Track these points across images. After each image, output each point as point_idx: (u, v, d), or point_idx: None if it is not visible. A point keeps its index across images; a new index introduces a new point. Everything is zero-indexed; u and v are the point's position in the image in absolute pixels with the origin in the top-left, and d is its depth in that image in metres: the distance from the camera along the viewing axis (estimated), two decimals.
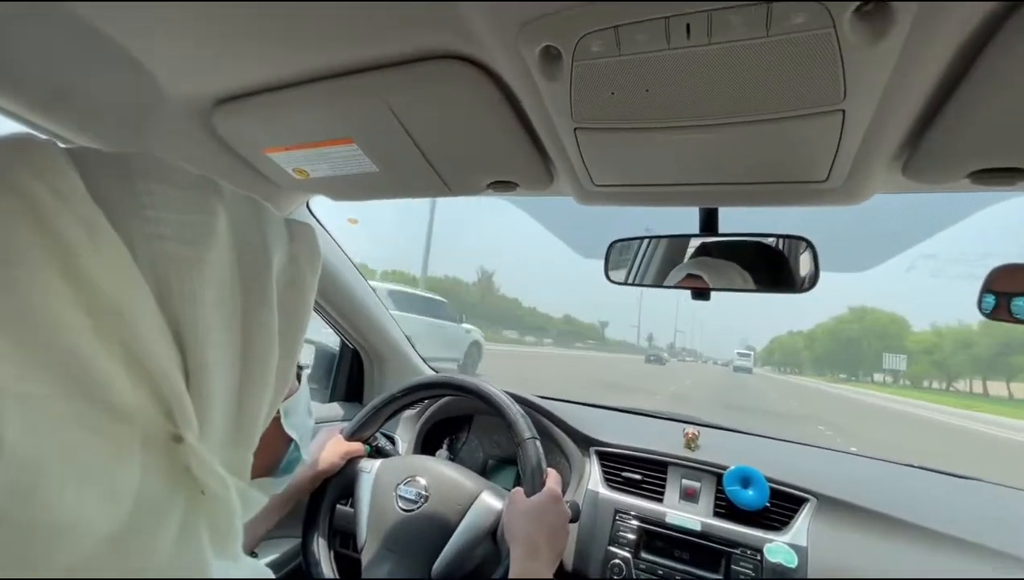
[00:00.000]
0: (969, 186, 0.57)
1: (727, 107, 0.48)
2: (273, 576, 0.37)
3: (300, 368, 0.43)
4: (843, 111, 0.46)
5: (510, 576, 0.64)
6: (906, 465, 1.10)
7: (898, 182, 0.62)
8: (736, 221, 0.81)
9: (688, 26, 0.40)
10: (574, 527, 0.96)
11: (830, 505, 0.89)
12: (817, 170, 0.57)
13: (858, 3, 0.35)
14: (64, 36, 0.54)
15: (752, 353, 51.64)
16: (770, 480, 0.92)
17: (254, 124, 0.69)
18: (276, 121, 0.68)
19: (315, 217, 1.06)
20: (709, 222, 0.80)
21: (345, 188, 0.85)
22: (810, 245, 0.74)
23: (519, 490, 0.77)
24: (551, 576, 0.65)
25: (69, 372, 0.22)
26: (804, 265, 0.76)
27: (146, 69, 0.60)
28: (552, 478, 0.77)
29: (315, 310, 1.24)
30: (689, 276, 0.84)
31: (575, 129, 0.56)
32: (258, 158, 0.78)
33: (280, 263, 0.33)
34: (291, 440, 0.42)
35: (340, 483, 0.89)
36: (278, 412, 0.39)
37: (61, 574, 0.21)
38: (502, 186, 0.78)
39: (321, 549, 0.84)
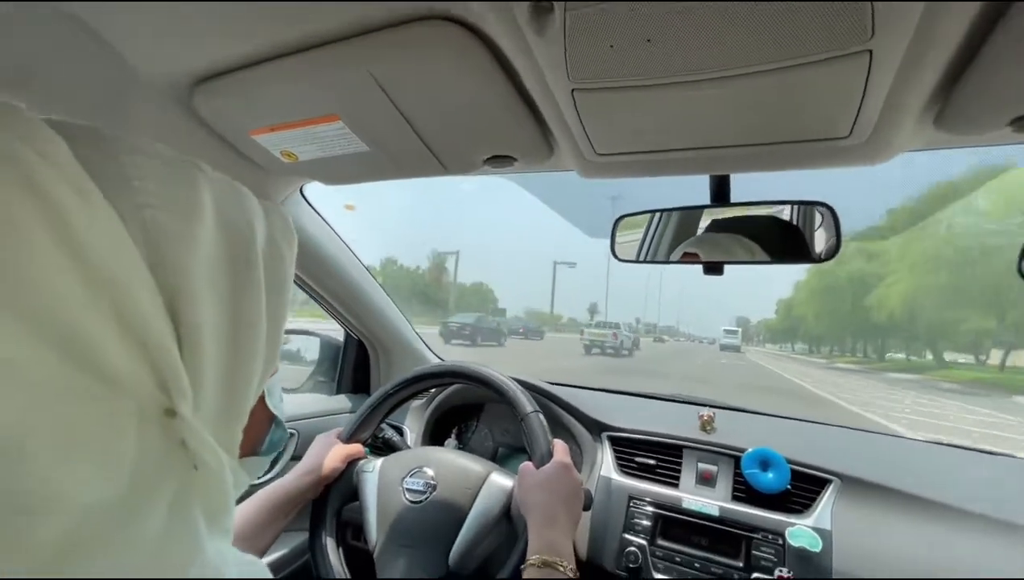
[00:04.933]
0: (1010, 136, 0.52)
1: (739, 55, 0.44)
2: (265, 567, 0.36)
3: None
4: (870, 52, 0.41)
5: (529, 547, 0.62)
6: (933, 442, 1.05)
7: (928, 136, 0.56)
8: (749, 191, 0.76)
9: None
10: (587, 515, 0.94)
11: (854, 486, 0.85)
12: (839, 125, 0.52)
13: None
14: (21, 11, 0.51)
15: (739, 330, 46.67)
16: (790, 462, 0.88)
17: (236, 104, 0.65)
18: (258, 99, 0.64)
19: (310, 204, 1.02)
20: (720, 191, 0.75)
21: (336, 171, 0.81)
22: (831, 210, 0.69)
23: (528, 464, 0.75)
24: (570, 543, 0.64)
25: (61, 339, 0.21)
26: (825, 232, 0.71)
27: (114, 48, 0.56)
28: (560, 449, 0.76)
29: (317, 301, 1.22)
30: (700, 251, 0.80)
31: (573, 90, 0.52)
32: (244, 141, 0.74)
33: (261, 241, 0.33)
34: (272, 418, 0.42)
35: (343, 487, 0.86)
36: (263, 391, 0.39)
37: (47, 545, 0.20)
38: (500, 161, 0.74)
39: (329, 548, 0.82)
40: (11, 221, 0.20)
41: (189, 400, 0.25)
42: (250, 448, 0.40)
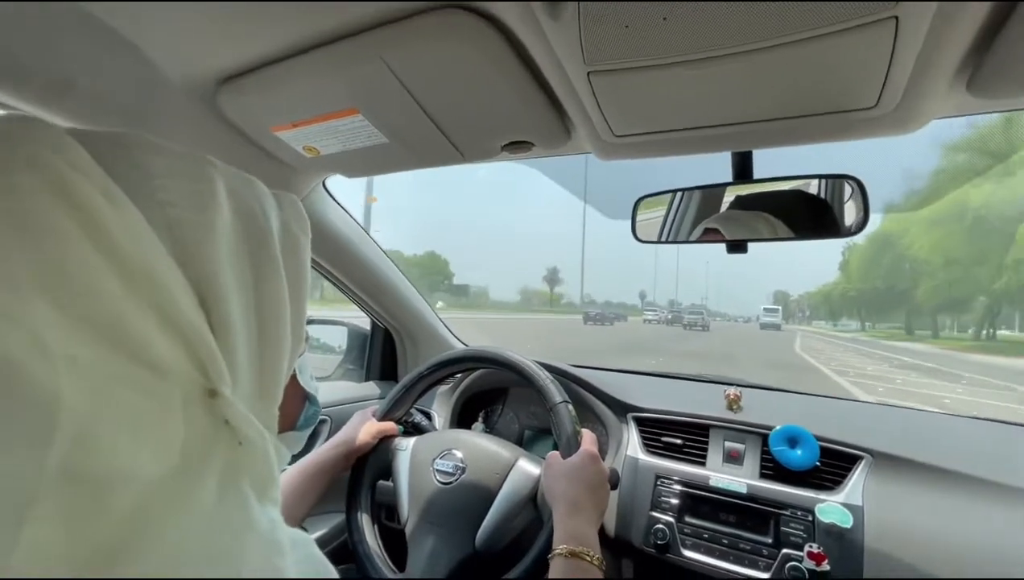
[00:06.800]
0: None
1: (757, 29, 0.43)
2: (312, 539, 0.38)
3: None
4: (896, 18, 0.40)
5: (554, 535, 0.63)
6: (965, 417, 1.03)
7: (960, 101, 0.54)
8: (771, 165, 0.75)
9: None
10: (615, 494, 0.95)
11: (886, 462, 0.84)
12: (865, 95, 0.51)
13: None
14: (60, 26, 0.53)
15: (780, 309, 47.28)
16: (819, 439, 0.88)
17: (259, 102, 0.67)
18: (280, 96, 0.65)
19: (332, 197, 1.04)
20: (743, 168, 0.74)
21: (357, 163, 0.83)
22: (859, 184, 0.67)
23: (555, 453, 0.76)
24: (595, 533, 0.64)
25: (111, 335, 0.23)
26: (851, 206, 0.69)
27: (143, 53, 0.58)
28: (587, 439, 0.76)
29: (343, 291, 1.25)
30: (721, 228, 0.79)
31: (588, 73, 0.52)
32: (268, 138, 0.76)
33: (276, 228, 0.35)
34: (306, 395, 0.45)
35: (377, 462, 0.90)
36: (295, 370, 0.42)
37: (122, 514, 0.23)
38: (517, 147, 0.74)
39: (365, 524, 0.86)
40: (53, 230, 0.22)
41: (228, 381, 0.27)
42: (287, 424, 0.43)
